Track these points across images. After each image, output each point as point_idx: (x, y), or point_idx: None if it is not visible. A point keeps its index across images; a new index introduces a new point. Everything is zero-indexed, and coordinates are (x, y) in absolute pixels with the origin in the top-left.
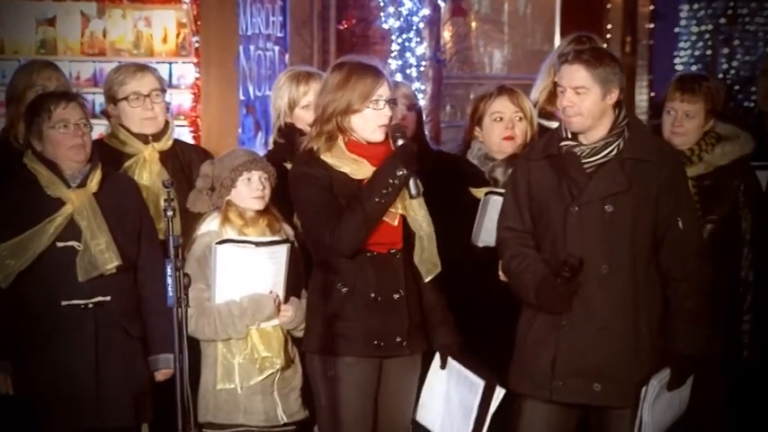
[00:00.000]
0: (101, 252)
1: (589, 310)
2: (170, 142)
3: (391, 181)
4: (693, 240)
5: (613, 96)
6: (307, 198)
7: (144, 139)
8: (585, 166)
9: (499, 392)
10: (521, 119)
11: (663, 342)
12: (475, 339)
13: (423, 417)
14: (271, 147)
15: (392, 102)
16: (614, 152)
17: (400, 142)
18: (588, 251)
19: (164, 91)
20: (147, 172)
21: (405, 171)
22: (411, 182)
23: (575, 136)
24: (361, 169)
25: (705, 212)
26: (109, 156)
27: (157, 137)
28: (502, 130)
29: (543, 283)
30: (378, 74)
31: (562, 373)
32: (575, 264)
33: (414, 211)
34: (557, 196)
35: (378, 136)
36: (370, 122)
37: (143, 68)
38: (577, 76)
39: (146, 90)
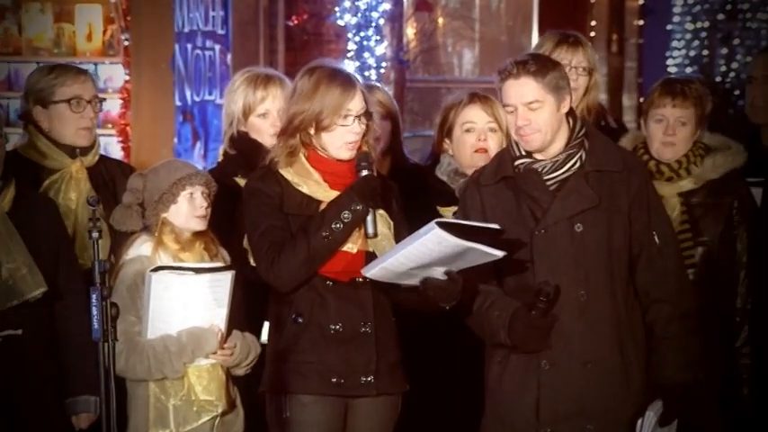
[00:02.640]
0: (22, 277)
1: (570, 343)
2: (97, 157)
3: (344, 216)
4: (672, 256)
5: (567, 104)
6: (253, 218)
7: (70, 152)
8: (547, 183)
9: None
10: (494, 130)
11: (649, 371)
12: (446, 368)
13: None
14: (220, 158)
15: (366, 115)
16: (577, 165)
17: (364, 173)
18: (561, 278)
19: (102, 100)
20: (75, 191)
21: (360, 207)
22: (369, 219)
23: (529, 152)
24: (320, 190)
25: (695, 234)
26: (25, 170)
27: (85, 151)
28: (473, 141)
29: (516, 319)
30: (348, 84)
31: (549, 418)
32: (550, 291)
33: (379, 246)
34: (518, 221)
35: (344, 154)
36: (337, 139)
37: (84, 72)
38: (527, 90)
39: (88, 96)
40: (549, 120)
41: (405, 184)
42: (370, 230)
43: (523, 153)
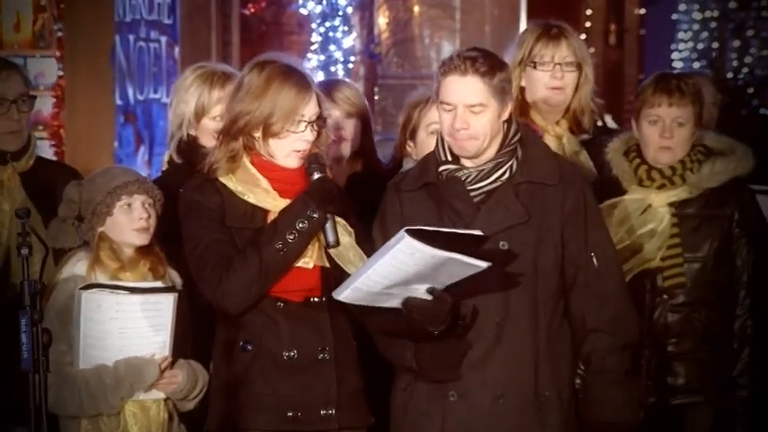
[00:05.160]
0: None
1: (481, 374)
2: (32, 161)
3: (300, 225)
4: (612, 280)
5: (508, 111)
6: (193, 234)
7: (0, 158)
8: (472, 194)
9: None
10: None
11: (577, 408)
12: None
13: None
14: (165, 166)
15: (319, 121)
16: (506, 176)
17: (316, 176)
18: (480, 300)
19: (32, 97)
20: (8, 201)
21: (317, 214)
22: (328, 227)
23: (456, 158)
24: (269, 198)
25: (689, 249)
26: None
27: (17, 155)
28: None
29: (426, 343)
30: (303, 86)
31: None
32: (467, 313)
33: (344, 258)
34: None
35: (291, 162)
36: (286, 147)
37: (8, 66)
38: (473, 90)
39: (12, 95)
40: (489, 126)
41: (378, 191)
42: (331, 239)
43: (449, 158)
